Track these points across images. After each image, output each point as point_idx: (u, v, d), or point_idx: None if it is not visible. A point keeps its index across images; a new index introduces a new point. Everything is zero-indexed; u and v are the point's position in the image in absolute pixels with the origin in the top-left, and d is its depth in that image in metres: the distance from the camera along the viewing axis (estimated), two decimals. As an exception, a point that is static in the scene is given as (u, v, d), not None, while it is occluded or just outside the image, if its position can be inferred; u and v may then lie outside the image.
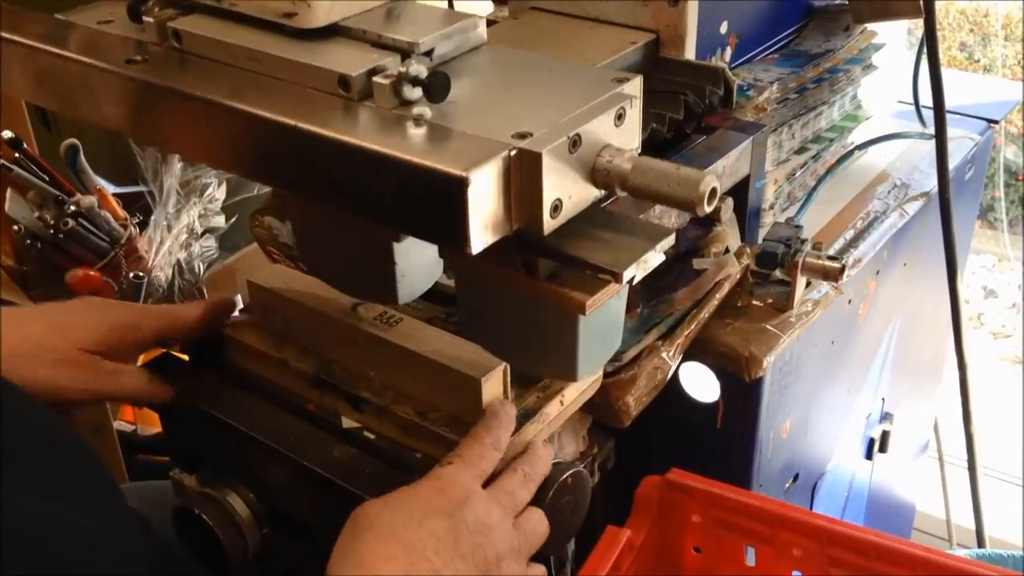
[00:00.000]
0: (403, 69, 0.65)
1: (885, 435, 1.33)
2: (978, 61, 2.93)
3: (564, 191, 0.63)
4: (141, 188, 1.25)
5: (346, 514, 0.80)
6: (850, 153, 1.24)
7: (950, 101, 1.17)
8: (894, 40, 1.32)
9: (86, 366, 0.83)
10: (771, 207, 1.12)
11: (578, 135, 0.63)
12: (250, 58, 0.71)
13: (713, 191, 0.63)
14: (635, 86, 0.68)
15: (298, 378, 0.88)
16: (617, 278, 0.67)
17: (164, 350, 1.08)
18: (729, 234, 1.00)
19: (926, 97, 1.20)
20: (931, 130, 1.20)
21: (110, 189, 1.22)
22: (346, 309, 0.87)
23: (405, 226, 0.69)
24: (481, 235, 0.61)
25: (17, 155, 1.10)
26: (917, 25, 1.19)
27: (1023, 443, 2.06)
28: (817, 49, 1.18)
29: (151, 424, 1.55)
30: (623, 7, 1.02)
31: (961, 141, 1.33)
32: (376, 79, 0.66)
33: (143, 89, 0.72)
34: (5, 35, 0.78)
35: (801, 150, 1.17)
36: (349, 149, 0.63)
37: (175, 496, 0.94)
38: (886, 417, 1.34)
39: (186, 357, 0.97)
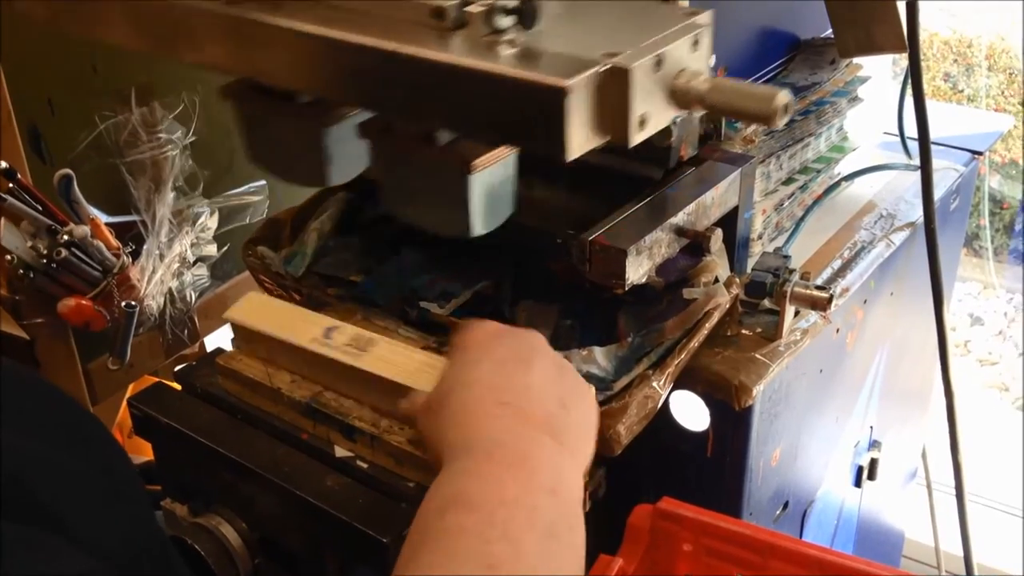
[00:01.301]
0: (496, 0, 0.71)
1: (873, 463, 1.33)
2: (962, 91, 2.97)
3: (648, 107, 0.69)
4: (134, 217, 1.25)
5: (339, 543, 0.80)
6: (837, 184, 1.26)
7: (935, 133, 1.19)
8: (879, 71, 1.34)
9: None
10: (759, 237, 1.14)
11: (661, 55, 0.69)
12: None
13: (786, 106, 0.69)
14: (707, 17, 0.75)
15: (291, 407, 0.88)
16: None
17: (156, 380, 1.09)
18: (718, 264, 1.01)
19: (911, 128, 1.22)
20: (916, 161, 1.22)
21: (103, 219, 1.22)
22: (319, 337, 0.88)
23: (504, 138, 0.77)
24: (577, 142, 0.67)
25: (11, 185, 1.11)
26: (902, 56, 1.21)
27: (1023, 472, 2.07)
28: (804, 82, 1.20)
29: (139, 453, 1.54)
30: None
31: (946, 172, 1.35)
32: (470, 8, 0.71)
33: (249, 26, 0.77)
34: None
35: (789, 181, 1.19)
36: (452, 70, 0.69)
37: (167, 526, 0.94)
38: (874, 445, 1.35)
39: (178, 386, 0.98)
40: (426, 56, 0.70)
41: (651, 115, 0.69)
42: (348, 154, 0.91)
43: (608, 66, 0.67)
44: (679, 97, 0.71)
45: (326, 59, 0.76)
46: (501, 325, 0.81)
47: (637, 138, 0.68)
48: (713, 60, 1.06)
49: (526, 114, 0.68)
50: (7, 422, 0.57)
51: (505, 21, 0.71)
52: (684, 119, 0.99)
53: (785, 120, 0.70)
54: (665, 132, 0.95)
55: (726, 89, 0.70)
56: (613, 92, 0.67)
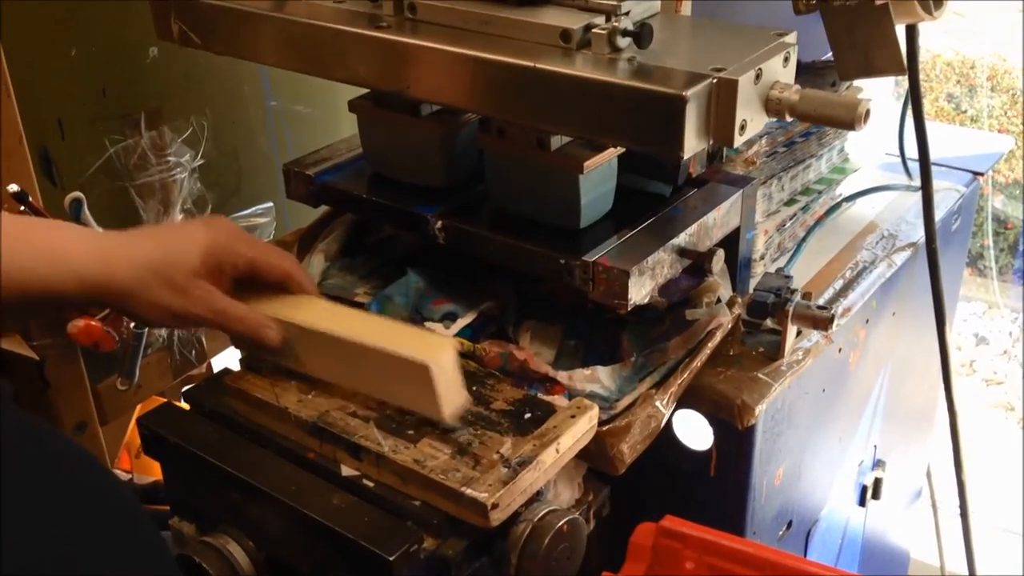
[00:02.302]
0: (615, 24, 0.83)
1: (878, 482, 1.34)
2: (965, 112, 2.98)
3: (748, 115, 0.79)
4: (143, 239, 1.26)
5: (344, 561, 0.81)
6: (838, 205, 1.27)
7: (937, 154, 1.20)
8: (880, 93, 1.35)
9: (198, 295, 0.83)
10: (762, 258, 1.15)
11: (760, 70, 0.79)
12: (482, 21, 0.89)
13: (867, 112, 0.78)
14: (793, 37, 0.86)
15: (298, 426, 0.89)
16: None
17: (164, 400, 1.10)
18: (721, 284, 1.02)
19: (912, 149, 1.23)
20: (917, 182, 1.23)
21: (112, 240, 1.23)
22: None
23: (626, 140, 0.86)
24: (691, 143, 0.77)
25: (22, 208, 1.12)
26: (904, 78, 1.22)
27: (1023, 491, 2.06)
28: (805, 104, 1.21)
29: (148, 473, 1.55)
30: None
31: (947, 193, 1.36)
32: (594, 31, 0.83)
33: (401, 47, 0.90)
34: (255, 10, 0.97)
35: (790, 202, 1.20)
36: (583, 81, 0.80)
37: (174, 544, 0.95)
38: (878, 464, 1.35)
39: (187, 406, 0.99)
40: (563, 71, 0.81)
41: (750, 121, 0.79)
42: (463, 157, 1.04)
43: (718, 79, 0.77)
44: (773, 106, 0.81)
45: (470, 75, 0.87)
46: None
47: (739, 141, 0.79)
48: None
49: (649, 119, 0.78)
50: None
51: (623, 42, 0.82)
52: None
53: (866, 125, 0.78)
54: None
55: (814, 99, 0.80)
56: (721, 101, 0.78)
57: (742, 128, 0.78)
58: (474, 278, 1.06)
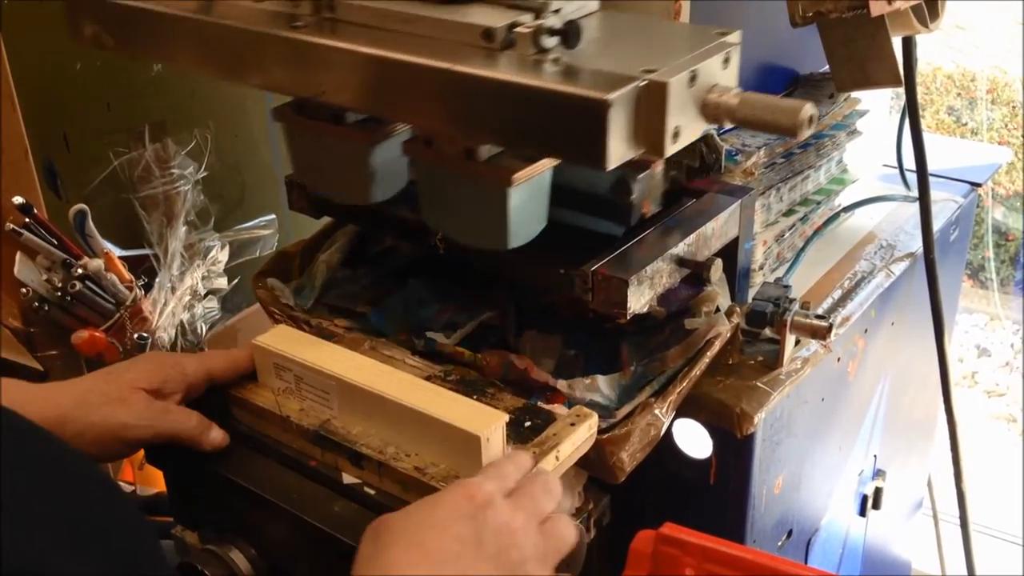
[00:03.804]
0: (541, 22, 0.77)
1: (878, 492, 1.34)
2: (966, 124, 2.99)
3: (682, 121, 0.73)
4: (146, 251, 1.28)
5: (346, 569, 0.81)
6: (837, 215, 1.28)
7: (935, 165, 1.21)
8: (878, 105, 1.36)
9: (139, 403, 0.87)
10: (760, 268, 1.15)
11: (695, 71, 0.73)
12: (403, 20, 0.82)
13: (811, 118, 0.73)
14: (736, 36, 0.80)
15: (300, 435, 0.90)
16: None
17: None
18: (719, 294, 1.02)
19: (910, 161, 1.24)
20: (915, 193, 1.23)
21: (116, 252, 1.24)
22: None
23: (548, 148, 0.80)
24: (616, 152, 0.71)
25: (27, 220, 1.13)
26: (902, 91, 1.23)
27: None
28: (803, 115, 1.22)
29: (151, 484, 1.56)
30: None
31: (945, 204, 1.37)
32: (518, 30, 0.77)
33: (310, 49, 0.83)
34: (169, 11, 0.89)
35: (789, 212, 1.21)
36: (501, 85, 0.74)
37: (178, 553, 0.95)
38: (879, 474, 1.35)
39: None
40: (479, 73, 0.75)
41: (684, 128, 0.74)
42: (391, 172, 0.96)
43: (646, 81, 0.72)
44: (710, 111, 0.75)
45: (384, 78, 0.81)
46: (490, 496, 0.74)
47: (670, 150, 0.73)
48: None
49: (570, 126, 0.73)
50: None
51: (550, 41, 0.76)
52: (646, 175, 0.98)
53: (810, 132, 0.73)
54: (625, 189, 0.96)
55: (754, 103, 0.74)
56: (650, 106, 0.72)
57: (675, 136, 0.73)
58: (475, 288, 1.07)
